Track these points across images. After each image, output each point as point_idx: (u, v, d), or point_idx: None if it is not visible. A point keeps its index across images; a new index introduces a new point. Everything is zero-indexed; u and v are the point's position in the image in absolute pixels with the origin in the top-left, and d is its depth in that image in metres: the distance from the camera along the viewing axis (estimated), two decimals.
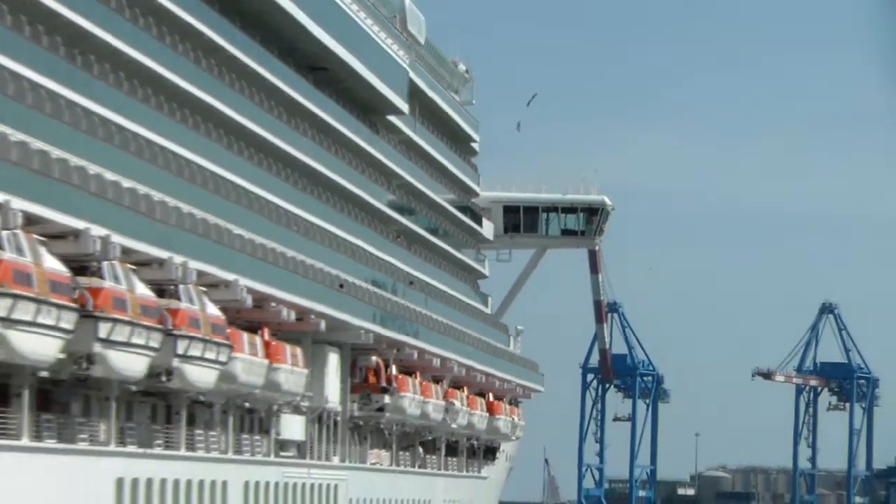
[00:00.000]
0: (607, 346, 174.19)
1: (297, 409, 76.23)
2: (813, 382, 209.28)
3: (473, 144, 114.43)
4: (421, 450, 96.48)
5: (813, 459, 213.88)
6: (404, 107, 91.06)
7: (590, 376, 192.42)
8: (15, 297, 47.73)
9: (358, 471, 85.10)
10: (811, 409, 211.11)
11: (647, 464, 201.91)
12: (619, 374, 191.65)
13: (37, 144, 53.58)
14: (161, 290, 59.33)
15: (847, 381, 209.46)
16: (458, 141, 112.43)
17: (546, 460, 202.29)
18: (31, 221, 50.76)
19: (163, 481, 61.72)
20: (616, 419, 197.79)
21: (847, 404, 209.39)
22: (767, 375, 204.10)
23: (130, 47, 62.96)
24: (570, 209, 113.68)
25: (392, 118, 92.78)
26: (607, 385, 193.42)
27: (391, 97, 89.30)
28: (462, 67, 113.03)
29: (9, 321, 47.65)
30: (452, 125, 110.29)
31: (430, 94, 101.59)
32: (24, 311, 48.23)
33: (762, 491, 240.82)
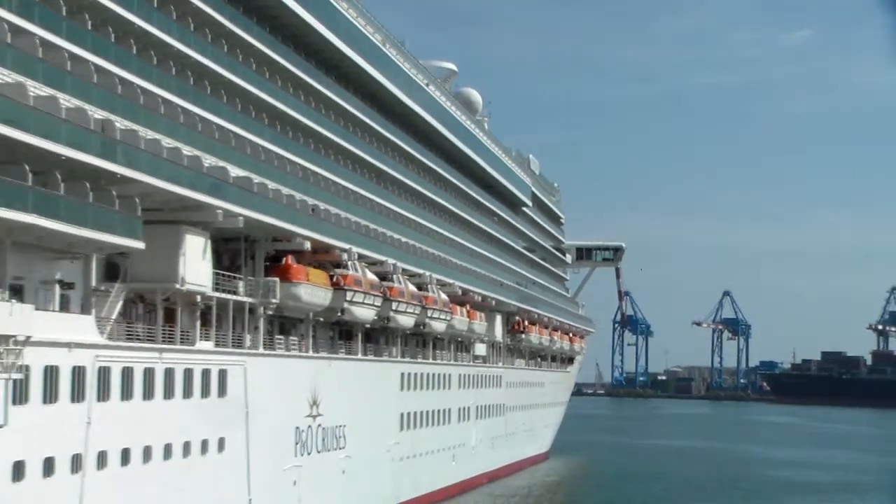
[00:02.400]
0: (624, 310, 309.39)
1: (481, 340, 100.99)
2: (720, 327, 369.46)
3: (561, 220, 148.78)
4: (539, 358, 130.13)
5: (721, 363, 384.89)
6: (529, 203, 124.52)
7: (616, 325, 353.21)
8: (353, 291, 65.67)
9: (512, 369, 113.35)
10: (720, 340, 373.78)
11: (643, 365, 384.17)
12: (630, 323, 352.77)
13: (360, 220, 70.47)
14: (383, 276, 73.40)
15: (735, 326, 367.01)
16: (554, 218, 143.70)
17: (597, 364, 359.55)
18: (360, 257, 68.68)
19: (421, 375, 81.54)
20: (628, 344, 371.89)
21: (736, 336, 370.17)
22: (699, 323, 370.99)
23: (356, 111, 73.50)
24: (605, 248, 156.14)
25: (524, 209, 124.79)
26: (624, 329, 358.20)
27: (524, 198, 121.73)
28: (557, 185, 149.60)
29: (351, 301, 65.15)
30: (552, 212, 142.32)
31: (541, 196, 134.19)
32: (357, 296, 66.11)
33: (697, 378, 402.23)
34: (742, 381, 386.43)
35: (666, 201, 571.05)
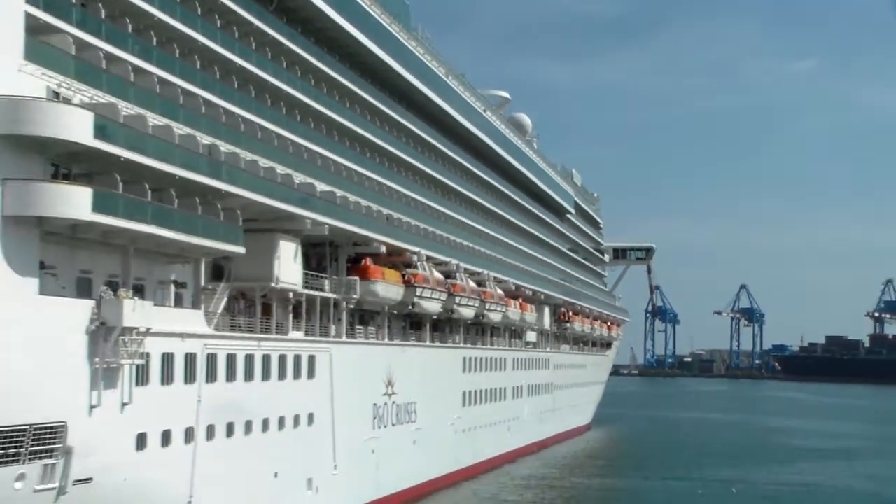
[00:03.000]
0: (655, 302, 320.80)
1: (531, 329, 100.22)
2: (738, 316, 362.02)
3: (600, 225, 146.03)
4: (581, 343, 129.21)
5: (738, 347, 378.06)
6: (572, 210, 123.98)
7: (648, 314, 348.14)
8: (422, 288, 66.07)
9: (558, 353, 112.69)
10: (737, 326, 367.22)
11: (671, 349, 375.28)
12: (660, 313, 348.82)
13: (428, 227, 71.24)
14: (448, 275, 73.24)
15: (751, 314, 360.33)
16: (594, 223, 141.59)
17: (631, 348, 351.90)
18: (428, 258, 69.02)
19: (481, 359, 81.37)
20: (658, 331, 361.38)
21: (751, 324, 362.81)
22: (719, 313, 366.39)
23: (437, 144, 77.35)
24: (638, 249, 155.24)
25: (568, 216, 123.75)
26: (654, 318, 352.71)
27: (568, 207, 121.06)
28: (596, 195, 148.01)
29: (420, 296, 65.50)
30: (592, 218, 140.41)
31: (583, 205, 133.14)
32: (425, 292, 66.57)
33: (718, 360, 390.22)
34: (757, 361, 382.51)
35: (691, 207, 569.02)
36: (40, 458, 33.14)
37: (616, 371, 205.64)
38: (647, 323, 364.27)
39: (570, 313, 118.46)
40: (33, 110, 32.35)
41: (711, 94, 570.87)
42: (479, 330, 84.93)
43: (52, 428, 33.46)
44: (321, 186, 53.66)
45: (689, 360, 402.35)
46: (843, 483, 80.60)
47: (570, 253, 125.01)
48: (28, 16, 33.18)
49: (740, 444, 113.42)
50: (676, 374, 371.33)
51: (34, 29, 33.65)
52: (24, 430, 32.39)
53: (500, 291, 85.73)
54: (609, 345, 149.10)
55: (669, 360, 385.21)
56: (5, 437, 31.87)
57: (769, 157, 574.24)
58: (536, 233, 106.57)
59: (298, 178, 51.17)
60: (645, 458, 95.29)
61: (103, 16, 37.75)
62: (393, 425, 62.62)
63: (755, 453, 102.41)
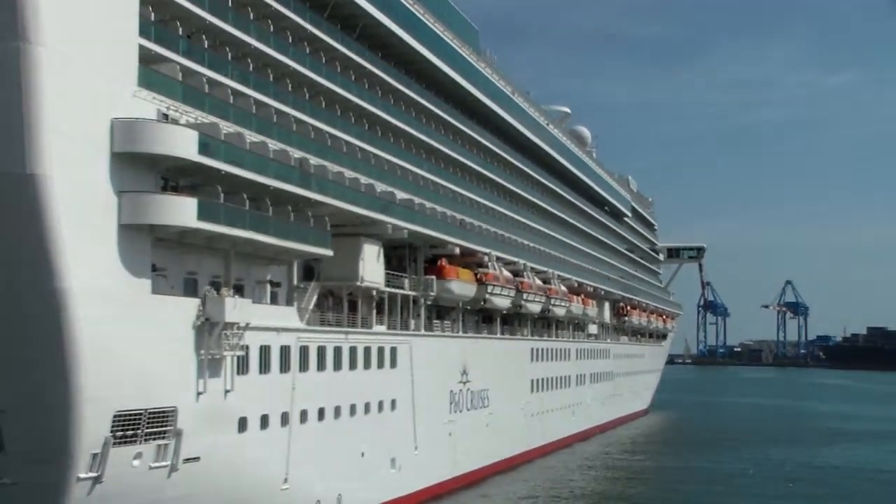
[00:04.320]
0: (706, 296, 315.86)
1: (593, 322, 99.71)
2: (783, 309, 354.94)
3: (655, 227, 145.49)
4: (639, 335, 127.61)
5: (784, 338, 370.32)
6: (629, 214, 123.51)
7: (700, 308, 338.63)
8: (493, 285, 65.53)
9: (617, 344, 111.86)
10: (783, 319, 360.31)
11: (721, 339, 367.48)
12: (711, 307, 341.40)
13: (497, 230, 70.89)
14: (516, 273, 72.55)
15: (796, 308, 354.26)
16: (649, 225, 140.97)
17: (685, 339, 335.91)
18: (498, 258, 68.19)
19: (547, 349, 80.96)
20: (710, 324, 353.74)
21: (797, 316, 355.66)
22: (766, 306, 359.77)
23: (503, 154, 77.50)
24: (691, 248, 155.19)
25: (625, 219, 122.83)
26: (706, 311, 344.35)
27: (624, 210, 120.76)
28: (650, 199, 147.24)
29: (491, 293, 65.13)
30: (647, 220, 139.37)
31: (639, 209, 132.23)
32: (496, 289, 66.12)
33: (765, 350, 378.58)
34: (802, 351, 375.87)
35: (739, 209, 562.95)
36: (154, 439, 33.75)
37: (671, 360, 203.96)
38: (699, 316, 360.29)
39: (629, 307, 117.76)
40: (146, 131, 32.89)
41: (755, 106, 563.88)
42: (545, 323, 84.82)
43: (164, 412, 34.06)
44: (401, 194, 53.85)
45: (739, 349, 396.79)
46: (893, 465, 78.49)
47: (627, 252, 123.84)
48: (141, 47, 33.76)
49: (790, 426, 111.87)
50: (727, 362, 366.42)
51: (146, 58, 34.23)
52: (141, 414, 32.99)
53: (563, 288, 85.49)
54: (664, 336, 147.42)
55: (720, 350, 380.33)
56: (125, 420, 32.40)
57: (814, 162, 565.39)
58: (596, 234, 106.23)
59: (380, 187, 51.35)
60: (699, 440, 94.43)
61: (206, 45, 38.31)
62: (468, 410, 62.49)
63: (804, 435, 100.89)
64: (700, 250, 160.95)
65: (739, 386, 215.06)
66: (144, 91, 33.72)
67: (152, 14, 34.98)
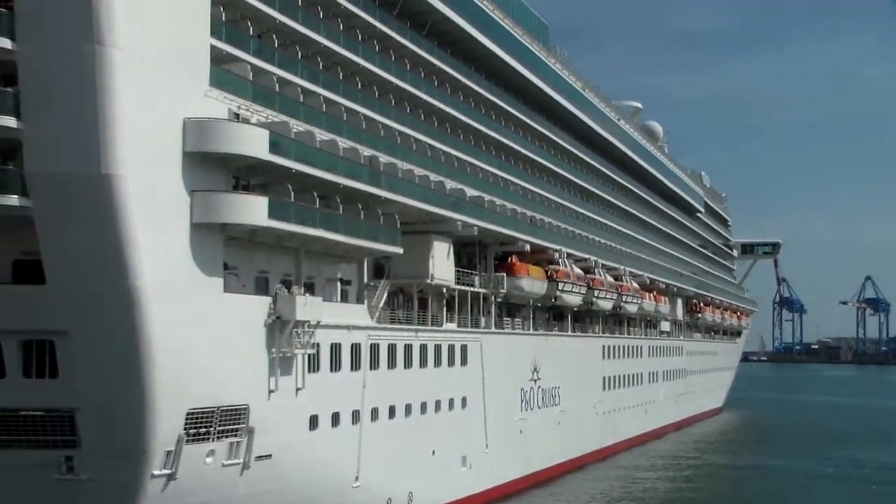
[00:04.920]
0: (782, 293, 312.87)
1: (665, 319, 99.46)
2: (863, 305, 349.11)
3: (728, 223, 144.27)
4: (713, 332, 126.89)
5: (864, 335, 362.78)
6: (701, 209, 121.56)
7: (775, 305, 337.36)
8: (564, 282, 65.82)
9: (691, 341, 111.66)
10: (863, 315, 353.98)
11: (798, 336, 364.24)
12: (787, 303, 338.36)
13: (568, 227, 70.57)
14: (587, 270, 72.73)
15: (876, 304, 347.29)
16: (722, 221, 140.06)
17: (761, 336, 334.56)
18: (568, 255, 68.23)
19: (619, 346, 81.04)
20: (786, 320, 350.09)
21: (877, 313, 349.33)
22: (845, 303, 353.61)
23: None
24: (765, 244, 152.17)
25: (698, 214, 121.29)
26: (782, 308, 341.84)
27: (697, 206, 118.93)
28: (724, 195, 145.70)
29: (562, 290, 65.32)
30: (720, 216, 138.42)
31: (712, 204, 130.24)
32: (566, 286, 66.34)
33: (844, 347, 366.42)
34: (883, 349, 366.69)
35: (816, 204, 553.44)
36: (227, 437, 33.98)
37: (746, 358, 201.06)
38: (774, 312, 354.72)
39: (702, 304, 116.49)
40: (218, 130, 33.04)
41: (833, 97, 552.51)
42: (616, 320, 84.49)
43: (236, 410, 34.26)
44: (470, 192, 53.83)
45: (816, 347, 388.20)
46: None
47: (700, 248, 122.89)
48: (213, 47, 33.95)
49: (871, 426, 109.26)
50: (804, 360, 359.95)
51: (218, 58, 34.41)
52: (213, 412, 33.21)
53: (635, 285, 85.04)
54: (739, 333, 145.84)
55: (797, 348, 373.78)
56: (198, 418, 32.64)
57: (893, 155, 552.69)
58: (668, 230, 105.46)
59: (450, 184, 51.31)
60: (775, 439, 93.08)
61: (276, 45, 38.43)
62: (539, 408, 62.38)
63: (887, 436, 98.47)
64: (775, 246, 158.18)
65: (817, 384, 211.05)
66: (216, 91, 33.93)
67: (223, 14, 35.15)
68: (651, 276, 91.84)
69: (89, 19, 29.12)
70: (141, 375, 30.52)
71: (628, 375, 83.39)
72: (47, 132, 29.53)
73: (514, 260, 60.51)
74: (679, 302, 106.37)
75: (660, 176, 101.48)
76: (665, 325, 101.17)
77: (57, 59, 29.37)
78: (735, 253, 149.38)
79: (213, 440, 33.37)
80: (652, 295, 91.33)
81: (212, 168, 33.65)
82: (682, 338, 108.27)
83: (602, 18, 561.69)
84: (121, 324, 30.16)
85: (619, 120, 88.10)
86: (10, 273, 31.56)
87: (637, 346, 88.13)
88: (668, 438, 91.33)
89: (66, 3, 29.31)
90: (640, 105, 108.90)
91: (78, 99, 29.28)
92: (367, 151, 43.09)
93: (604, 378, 77.01)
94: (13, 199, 29.75)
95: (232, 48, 35.15)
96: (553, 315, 70.39)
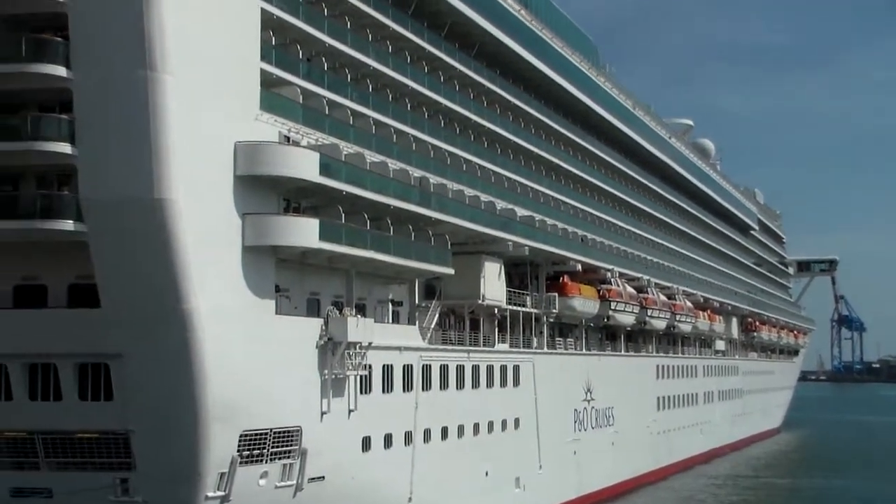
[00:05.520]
0: (840, 310, 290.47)
1: (720, 338, 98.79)
2: None
3: (784, 240, 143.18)
4: (769, 351, 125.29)
5: None
6: (755, 227, 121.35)
7: (833, 323, 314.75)
8: (616, 302, 65.93)
9: (746, 360, 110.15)
10: None
11: (858, 355, 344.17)
12: (845, 321, 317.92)
13: (620, 246, 70.08)
14: (640, 289, 72.32)
15: None
16: (777, 238, 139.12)
17: (819, 354, 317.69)
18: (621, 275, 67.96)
19: (673, 366, 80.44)
20: (844, 339, 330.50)
21: None
22: None
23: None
24: (822, 261, 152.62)
25: (752, 232, 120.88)
26: (840, 326, 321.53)
27: (751, 223, 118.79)
28: (778, 212, 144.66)
29: (614, 310, 65.21)
30: (775, 233, 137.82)
31: (766, 221, 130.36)
32: (619, 305, 66.27)
33: None
34: None
35: (875, 219, 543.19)
36: (280, 459, 33.98)
37: (804, 377, 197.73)
38: (832, 331, 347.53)
39: (757, 323, 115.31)
40: (269, 153, 33.25)
41: (891, 111, 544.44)
42: (670, 340, 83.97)
43: (289, 431, 34.29)
44: (521, 211, 53.83)
45: (878, 366, 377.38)
46: None
47: (754, 266, 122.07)
48: (263, 71, 34.18)
49: None
50: (865, 379, 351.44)
51: (268, 82, 34.62)
52: (266, 434, 33.27)
53: (689, 304, 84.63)
54: (796, 352, 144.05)
55: (857, 366, 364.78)
56: (251, 440, 32.71)
57: None
58: (722, 248, 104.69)
59: (500, 204, 51.41)
60: (836, 460, 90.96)
61: (326, 68, 38.70)
62: (592, 428, 62.10)
63: None
64: (832, 263, 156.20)
65: (879, 404, 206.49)
66: (266, 114, 34.20)
67: (273, 38, 35.44)
68: (705, 294, 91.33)
69: (142, 46, 29.51)
70: (194, 398, 30.67)
71: (683, 395, 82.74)
72: (101, 158, 29.89)
73: (565, 280, 60.51)
74: (734, 321, 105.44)
75: (712, 193, 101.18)
76: (720, 344, 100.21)
77: (110, 85, 29.75)
78: (791, 270, 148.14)
79: (266, 462, 33.36)
80: (706, 314, 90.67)
81: (263, 191, 33.86)
82: (737, 357, 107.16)
83: (654, 34, 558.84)
84: (174, 346, 30.35)
85: (670, 138, 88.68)
86: (66, 297, 32.08)
87: (691, 366, 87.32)
88: (725, 459, 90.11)
89: (119, 31, 29.69)
90: (691, 122, 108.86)
91: (131, 125, 29.62)
92: (417, 172, 43.19)
93: (658, 398, 76.59)
94: (68, 225, 30.18)
95: (282, 72, 35.40)
96: (606, 335, 70.24)
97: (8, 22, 31.36)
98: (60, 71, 30.01)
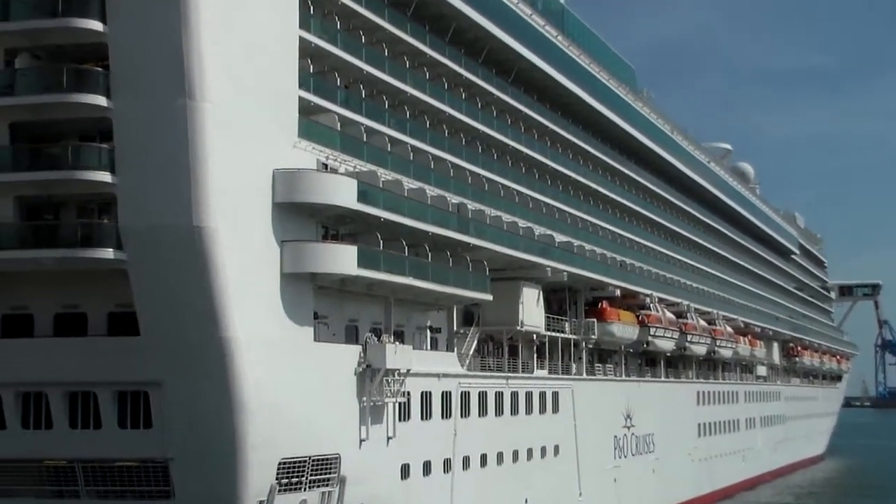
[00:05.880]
0: (884, 335, 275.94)
1: (761, 363, 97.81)
2: None
3: (825, 264, 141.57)
4: (811, 376, 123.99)
5: None
6: (796, 251, 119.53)
7: (877, 348, 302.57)
8: (656, 327, 65.44)
9: (788, 386, 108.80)
10: None
11: None
12: (889, 346, 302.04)
13: (659, 271, 69.49)
14: (679, 315, 72.08)
15: None
16: (818, 262, 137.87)
17: (863, 380, 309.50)
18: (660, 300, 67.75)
19: (714, 392, 79.94)
20: (889, 364, 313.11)
21: None
22: None
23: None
24: (864, 285, 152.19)
25: (793, 256, 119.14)
26: (885, 351, 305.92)
27: (791, 248, 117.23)
28: (819, 236, 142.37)
29: (654, 335, 64.74)
30: (816, 258, 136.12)
31: (807, 245, 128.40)
32: (658, 331, 65.77)
33: None
34: None
35: None
36: (319, 487, 33.75)
37: (848, 403, 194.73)
38: (876, 356, 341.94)
39: (799, 348, 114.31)
40: (307, 181, 33.30)
41: None
42: (710, 365, 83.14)
43: (328, 459, 34.05)
44: (559, 237, 53.81)
45: None
46: None
47: (795, 291, 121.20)
48: (301, 99, 34.24)
49: None
50: None
51: (306, 110, 34.67)
52: (305, 461, 33.03)
53: (729, 329, 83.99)
54: (839, 377, 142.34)
55: None
56: (290, 468, 32.48)
57: None
58: (762, 273, 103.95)
59: (538, 230, 51.32)
60: (882, 487, 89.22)
61: (363, 95, 38.75)
62: (633, 455, 61.64)
63: None
64: (875, 287, 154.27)
65: None
66: (304, 141, 34.27)
67: (311, 66, 35.57)
68: (745, 319, 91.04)
69: (181, 75, 29.70)
70: (233, 426, 30.54)
71: (724, 421, 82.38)
72: (140, 186, 30.06)
73: (604, 305, 60.34)
74: (775, 346, 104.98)
75: (751, 217, 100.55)
76: (761, 370, 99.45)
77: (150, 114, 29.98)
78: (833, 295, 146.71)
79: (305, 490, 33.12)
80: (747, 339, 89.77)
81: (301, 218, 33.88)
82: (779, 382, 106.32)
83: (693, 58, 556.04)
84: (213, 374, 30.29)
85: (708, 162, 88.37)
86: (106, 325, 32.09)
87: (733, 392, 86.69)
88: (768, 486, 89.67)
89: (159, 60, 29.94)
90: (730, 147, 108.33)
91: (170, 153, 29.77)
92: (455, 198, 43.20)
93: (699, 424, 76.11)
94: (108, 253, 30.25)
95: (320, 99, 35.45)
96: (645, 360, 69.91)
97: (51, 53, 31.73)
98: (101, 100, 30.22)
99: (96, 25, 30.12)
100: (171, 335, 30.26)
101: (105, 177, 30.22)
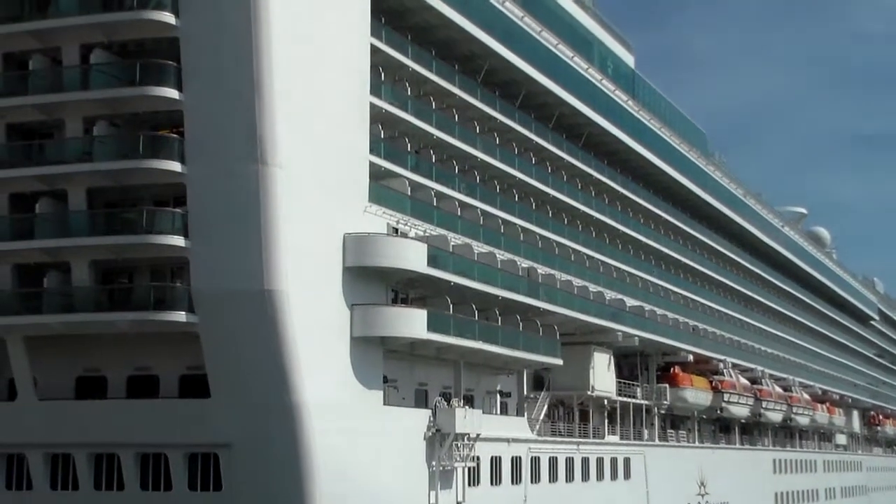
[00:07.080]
0: None
1: (840, 431, 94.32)
2: None
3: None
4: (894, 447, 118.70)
5: None
6: (875, 317, 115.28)
7: None
8: (730, 393, 64.21)
9: (871, 456, 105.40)
10: None
11: None
12: None
13: (733, 336, 68.17)
14: (753, 381, 70.49)
15: None
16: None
17: None
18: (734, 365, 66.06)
19: (791, 460, 77.33)
20: None
21: None
22: None
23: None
24: None
25: (872, 322, 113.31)
26: None
27: (871, 313, 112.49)
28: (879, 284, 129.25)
29: (728, 401, 63.44)
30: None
31: (887, 311, 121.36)
32: (732, 397, 64.47)
33: None
34: None
35: None
36: None
37: None
38: None
39: (881, 416, 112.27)
40: (377, 245, 33.35)
41: None
42: (787, 433, 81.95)
43: None
44: (630, 301, 53.24)
45: None
46: None
47: (876, 357, 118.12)
48: (372, 164, 34.41)
49: None
50: None
51: (376, 174, 34.81)
52: None
53: (806, 396, 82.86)
54: None
55: None
56: None
57: None
58: (839, 339, 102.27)
59: (609, 294, 51.01)
60: None
61: (433, 160, 38.89)
62: None
63: None
64: None
65: None
66: (375, 206, 34.41)
67: (382, 131, 35.76)
68: (823, 386, 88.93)
69: (254, 141, 29.89)
70: (303, 489, 30.09)
71: (803, 491, 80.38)
72: (213, 250, 30.20)
73: (676, 370, 59.34)
74: (855, 414, 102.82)
75: (827, 282, 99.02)
76: (841, 438, 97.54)
77: (222, 179, 30.24)
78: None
79: None
80: (825, 406, 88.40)
81: (371, 282, 33.85)
82: (860, 452, 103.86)
83: (766, 122, 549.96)
84: (283, 438, 30.02)
85: (782, 226, 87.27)
86: (177, 387, 32.10)
87: (811, 461, 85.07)
88: None
89: (233, 126, 30.23)
90: (804, 210, 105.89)
91: (242, 217, 29.93)
92: (525, 263, 42.94)
93: (776, 493, 74.16)
94: (181, 316, 30.32)
95: (390, 164, 35.63)
96: (719, 427, 68.63)
97: (128, 121, 32.17)
98: (175, 166, 30.58)
99: (173, 94, 30.58)
100: (242, 398, 30.10)
101: (178, 241, 30.40)
